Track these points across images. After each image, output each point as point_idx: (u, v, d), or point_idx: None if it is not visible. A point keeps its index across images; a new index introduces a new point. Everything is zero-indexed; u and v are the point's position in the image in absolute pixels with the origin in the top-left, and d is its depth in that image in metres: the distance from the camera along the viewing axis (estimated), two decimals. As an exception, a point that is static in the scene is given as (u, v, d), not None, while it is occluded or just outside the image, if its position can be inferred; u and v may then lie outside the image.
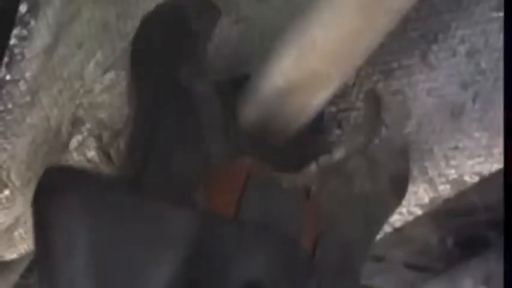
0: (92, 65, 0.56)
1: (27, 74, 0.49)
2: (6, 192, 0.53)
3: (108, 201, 0.33)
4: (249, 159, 0.37)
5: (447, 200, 0.55)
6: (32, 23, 0.43)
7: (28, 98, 0.51)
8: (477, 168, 0.52)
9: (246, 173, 0.36)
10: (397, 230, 0.59)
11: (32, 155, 0.59)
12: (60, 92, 0.56)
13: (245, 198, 0.35)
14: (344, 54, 0.43)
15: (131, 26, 0.56)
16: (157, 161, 0.35)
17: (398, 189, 0.45)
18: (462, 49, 0.52)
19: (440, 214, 0.58)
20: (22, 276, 0.80)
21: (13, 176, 0.55)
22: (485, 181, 0.54)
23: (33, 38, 0.45)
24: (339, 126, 0.57)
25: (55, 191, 0.33)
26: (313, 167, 0.41)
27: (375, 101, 0.46)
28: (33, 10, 0.43)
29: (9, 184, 0.54)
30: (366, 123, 0.45)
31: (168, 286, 0.31)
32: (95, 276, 0.31)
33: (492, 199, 0.58)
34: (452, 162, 0.52)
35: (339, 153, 0.43)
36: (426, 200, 0.54)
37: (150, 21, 0.40)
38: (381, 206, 0.44)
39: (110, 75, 0.58)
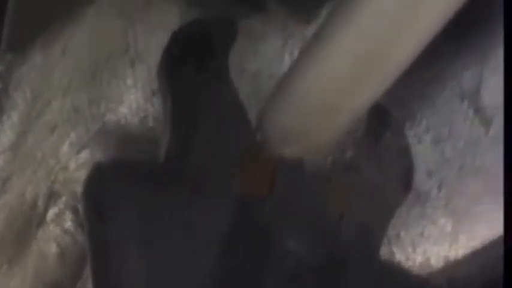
0: (66, 145, 0.57)
1: (-4, 167, 0.50)
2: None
3: (155, 194, 0.37)
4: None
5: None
6: (-3, 125, 0.44)
7: (-1, 186, 0.52)
8: (443, 254, 0.52)
9: (276, 158, 0.40)
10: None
11: (6, 230, 0.60)
12: (35, 172, 0.56)
13: (277, 181, 0.39)
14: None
15: (104, 107, 0.57)
16: (201, 144, 0.39)
17: (404, 182, 0.48)
18: (427, 137, 0.53)
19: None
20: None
21: (-13, 255, 0.56)
22: (452, 263, 0.55)
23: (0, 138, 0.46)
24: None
25: (104, 186, 0.37)
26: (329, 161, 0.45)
27: (379, 110, 0.48)
28: (-3, 115, 0.44)
29: (-18, 259, 0.55)
30: (370, 129, 0.48)
31: (212, 269, 0.35)
32: (144, 264, 0.35)
33: (459, 279, 0.58)
34: (419, 249, 0.53)
35: (349, 153, 0.47)
36: (396, 282, 0.55)
37: (177, 36, 0.46)
38: (389, 197, 0.47)
39: (85, 154, 0.59)
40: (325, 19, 0.36)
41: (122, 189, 0.36)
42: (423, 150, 0.53)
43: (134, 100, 0.57)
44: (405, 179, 0.49)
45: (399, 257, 0.54)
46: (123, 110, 0.58)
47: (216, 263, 0.36)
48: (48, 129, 0.52)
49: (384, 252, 0.54)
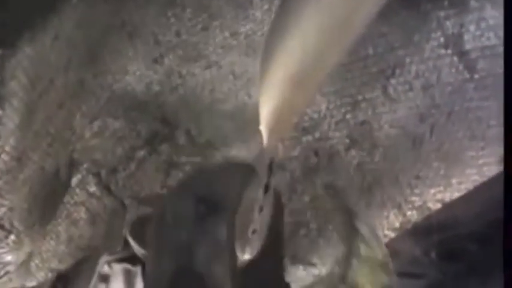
0: (78, 117, 0.60)
1: (7, 148, 0.53)
2: (12, 237, 0.57)
3: None
4: None
5: (428, 216, 0.58)
6: (0, 112, 0.47)
7: (14, 163, 0.56)
8: (438, 196, 0.54)
9: None
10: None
11: (32, 201, 0.64)
12: (51, 145, 0.60)
13: None
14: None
15: (111, 79, 0.60)
16: None
17: None
18: (418, 83, 0.54)
19: (422, 229, 0.61)
20: (43, 301, 0.85)
21: (16, 223, 0.60)
22: (460, 199, 0.57)
23: (4, 123, 0.49)
24: (316, 154, 0.60)
25: None
26: None
27: None
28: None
29: (13, 230, 0.59)
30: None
31: None
32: None
33: (471, 214, 0.60)
34: (416, 191, 0.55)
35: None
36: (397, 224, 0.57)
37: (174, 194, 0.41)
38: None
39: (98, 123, 0.62)
40: None
41: None
42: (415, 96, 0.54)
43: (137, 69, 0.60)
44: None
45: (399, 199, 0.56)
46: (129, 78, 0.61)
47: None
48: (56, 106, 0.55)
49: (382, 194, 0.57)
